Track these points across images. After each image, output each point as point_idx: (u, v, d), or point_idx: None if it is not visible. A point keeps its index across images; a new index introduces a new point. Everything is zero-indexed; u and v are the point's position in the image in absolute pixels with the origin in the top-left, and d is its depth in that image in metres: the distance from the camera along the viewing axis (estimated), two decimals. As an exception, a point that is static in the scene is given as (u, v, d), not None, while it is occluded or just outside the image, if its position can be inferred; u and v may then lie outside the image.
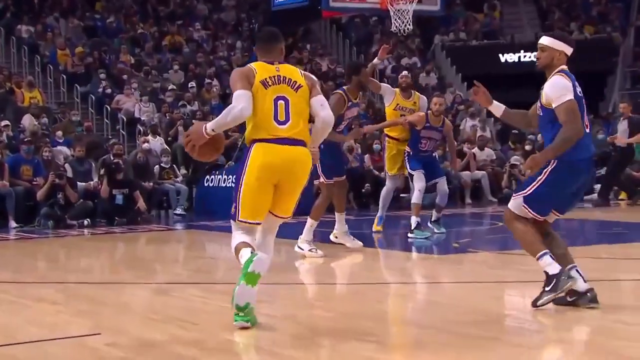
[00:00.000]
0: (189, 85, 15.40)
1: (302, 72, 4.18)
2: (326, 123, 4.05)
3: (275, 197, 3.97)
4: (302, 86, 4.09)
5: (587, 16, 21.26)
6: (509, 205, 4.33)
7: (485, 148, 13.98)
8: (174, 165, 12.56)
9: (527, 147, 13.09)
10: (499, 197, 12.89)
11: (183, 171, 12.74)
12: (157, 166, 12.22)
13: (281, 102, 3.96)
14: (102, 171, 10.91)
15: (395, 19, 9.62)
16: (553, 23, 20.74)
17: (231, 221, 4.04)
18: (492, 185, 13.13)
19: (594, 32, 20.24)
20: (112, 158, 11.15)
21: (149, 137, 12.87)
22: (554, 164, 4.12)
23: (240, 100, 3.87)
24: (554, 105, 4.14)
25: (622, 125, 11.79)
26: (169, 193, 12.02)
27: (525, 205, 4.25)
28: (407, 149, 8.21)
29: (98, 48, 16.55)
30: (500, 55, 19.78)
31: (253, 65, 4.13)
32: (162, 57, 16.96)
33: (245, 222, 3.97)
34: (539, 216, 4.27)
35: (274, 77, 4.04)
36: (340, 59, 19.13)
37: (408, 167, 8.14)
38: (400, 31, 9.69)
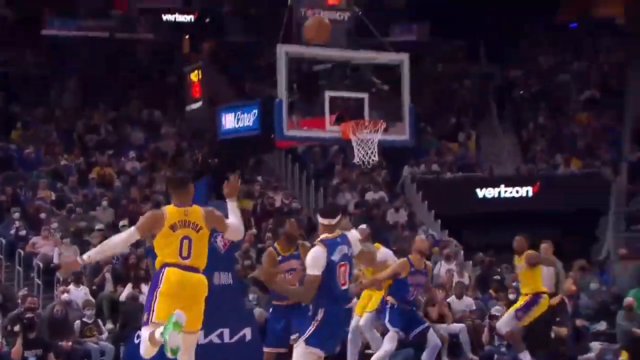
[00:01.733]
0: (120, 225, 14.89)
1: (207, 214, 5.62)
2: (233, 229, 5.72)
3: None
4: (202, 228, 5.64)
5: (574, 149, 22.27)
6: None
7: (464, 296, 13.91)
8: (99, 320, 12.38)
9: (511, 296, 12.92)
10: (481, 355, 12.66)
11: (109, 326, 12.56)
12: (78, 321, 12.04)
13: (186, 240, 5.53)
14: (13, 328, 10.83)
15: (359, 149, 9.76)
16: (536, 155, 21.55)
17: (142, 330, 5.44)
18: (472, 340, 12.87)
19: (581, 166, 20.80)
20: (24, 313, 10.97)
21: (70, 287, 12.67)
22: None
23: (125, 235, 5.50)
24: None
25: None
26: (92, 353, 11.74)
27: None
28: (389, 299, 8.30)
29: (12, 183, 16.41)
30: (478, 190, 20.07)
31: (166, 210, 5.64)
32: (88, 192, 16.87)
33: (158, 323, 5.33)
34: None
35: (182, 221, 5.57)
36: (296, 192, 19.31)
37: (386, 320, 8.21)
38: (364, 163, 9.88)
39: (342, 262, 5.61)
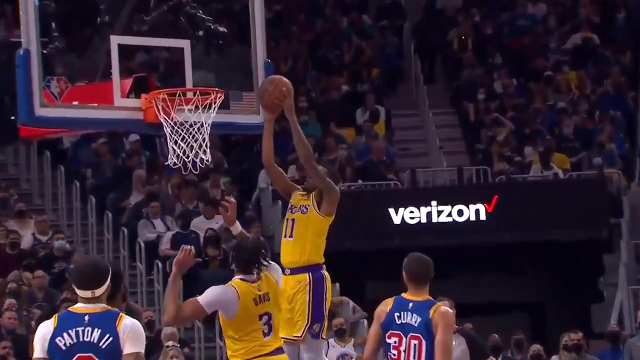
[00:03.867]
0: None
1: None
2: None
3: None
4: None
5: (556, 137, 21.43)
6: None
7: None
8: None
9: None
10: None
11: None
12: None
13: None
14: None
15: (177, 141, 9.12)
16: (490, 148, 20.90)
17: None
18: None
19: (570, 166, 20.32)
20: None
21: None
22: None
23: None
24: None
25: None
26: None
27: None
28: None
29: None
30: (391, 210, 19.26)
31: None
32: None
33: None
34: None
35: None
36: (62, 222, 19.04)
37: None
38: (186, 166, 9.21)
39: None
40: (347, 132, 21.44)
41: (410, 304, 6.86)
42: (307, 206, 8.37)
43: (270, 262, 7.64)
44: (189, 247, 7.52)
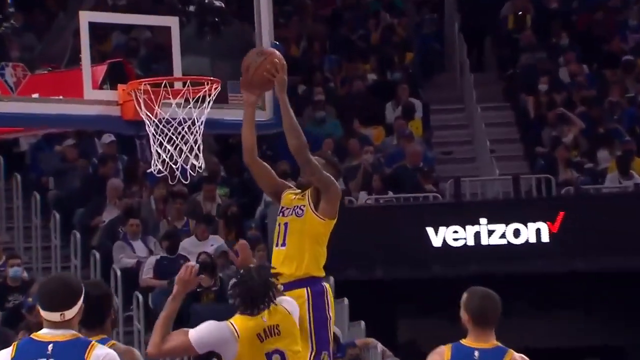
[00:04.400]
0: None
1: None
2: None
3: None
4: None
5: None
6: None
7: None
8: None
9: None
10: None
11: None
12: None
13: None
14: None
15: (161, 143, 9.24)
16: (556, 151, 21.20)
17: None
18: None
19: None
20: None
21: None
22: None
23: None
24: None
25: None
26: None
27: None
28: None
29: None
30: (429, 229, 19.37)
31: None
32: None
33: None
34: None
35: None
36: (16, 245, 19.44)
37: None
38: (174, 174, 9.31)
39: None
40: (375, 131, 21.62)
41: (476, 353, 6.64)
42: (302, 207, 8.35)
43: (283, 295, 7.59)
44: (192, 264, 7.51)
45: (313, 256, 8.10)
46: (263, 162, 8.61)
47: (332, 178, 8.24)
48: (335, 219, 8.24)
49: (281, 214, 8.32)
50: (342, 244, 20.13)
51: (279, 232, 8.40)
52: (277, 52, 8.29)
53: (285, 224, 8.16)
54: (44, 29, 16.21)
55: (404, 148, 20.57)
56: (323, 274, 8.19)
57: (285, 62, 8.25)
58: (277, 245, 8.17)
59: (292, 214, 8.26)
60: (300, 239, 8.28)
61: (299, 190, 8.39)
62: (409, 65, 23.18)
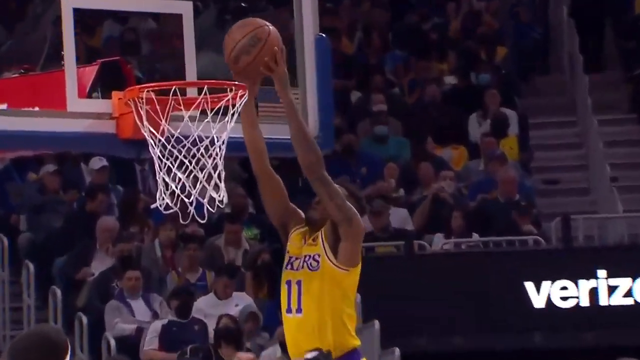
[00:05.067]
0: None
1: None
2: None
3: None
4: None
5: None
6: None
7: None
8: None
9: None
10: None
11: None
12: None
13: None
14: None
15: (168, 169, 9.41)
16: None
17: None
18: None
19: None
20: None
21: None
22: None
23: None
24: None
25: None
26: None
27: None
28: None
29: None
30: (528, 284, 19.60)
31: None
32: None
33: None
34: None
35: None
36: None
37: None
38: (186, 211, 9.54)
39: None
40: (455, 152, 21.84)
41: None
42: (316, 257, 8.34)
43: None
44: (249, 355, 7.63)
45: (341, 320, 8.11)
46: (275, 175, 8.64)
47: (355, 210, 8.18)
48: (360, 265, 8.21)
49: (289, 267, 8.34)
50: (410, 304, 20.15)
51: (289, 293, 8.38)
52: (275, 33, 8.26)
53: (298, 283, 8.20)
54: (15, 18, 16.27)
55: (494, 175, 20.67)
56: (358, 342, 8.19)
57: (283, 46, 8.25)
58: (289, 312, 8.20)
59: (303, 267, 8.28)
60: (320, 302, 8.29)
61: (308, 228, 8.38)
62: (501, 65, 23.25)
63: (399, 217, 20.32)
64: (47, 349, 6.12)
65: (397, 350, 16.78)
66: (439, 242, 19.38)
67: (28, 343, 6.08)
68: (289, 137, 8.92)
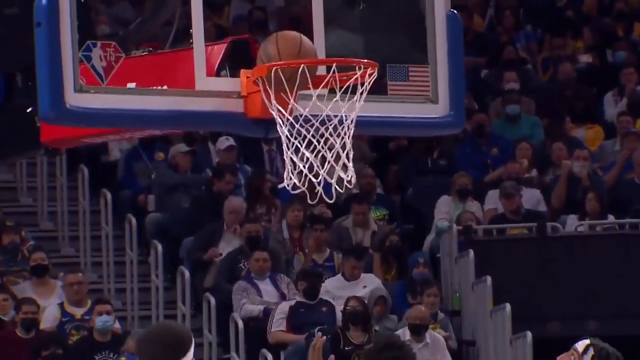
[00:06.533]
0: None
1: None
2: None
3: None
4: None
5: None
6: None
7: None
8: None
9: None
10: None
11: None
12: None
13: None
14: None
15: (296, 149, 9.49)
16: None
17: None
18: None
19: None
20: None
21: None
22: None
23: None
24: None
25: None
26: None
27: None
28: None
29: None
30: None
31: None
32: None
33: None
34: None
35: None
36: None
37: None
38: (314, 191, 9.57)
39: None
40: (589, 132, 21.75)
41: None
42: None
43: None
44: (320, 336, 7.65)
45: None
46: None
47: None
48: None
49: None
50: (541, 287, 20.07)
51: None
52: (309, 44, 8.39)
53: None
54: (143, -5, 16.47)
55: (631, 155, 20.59)
56: None
57: None
58: None
59: None
60: None
61: None
62: (638, 42, 23.04)
63: (531, 198, 20.31)
64: (172, 346, 6.36)
65: (529, 335, 16.86)
66: (572, 224, 19.35)
67: (156, 337, 6.32)
68: (426, 117, 9.06)
